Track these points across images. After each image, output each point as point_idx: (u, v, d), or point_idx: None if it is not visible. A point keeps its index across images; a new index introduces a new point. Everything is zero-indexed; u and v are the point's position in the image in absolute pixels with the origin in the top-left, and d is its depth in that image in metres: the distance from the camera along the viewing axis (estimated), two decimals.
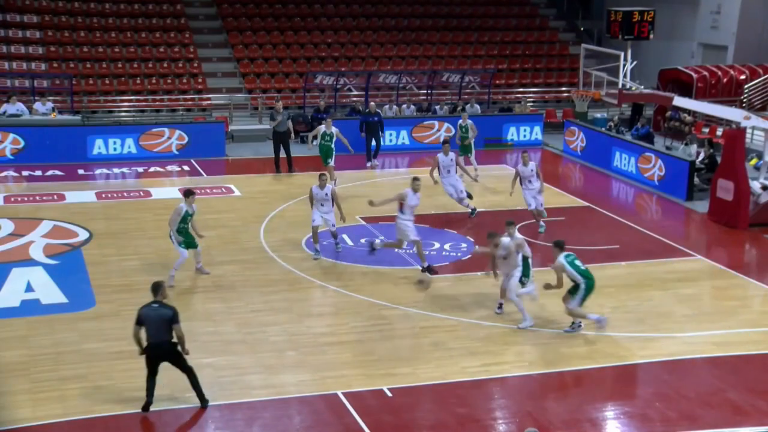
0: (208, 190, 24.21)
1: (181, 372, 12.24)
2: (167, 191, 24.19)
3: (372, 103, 29.49)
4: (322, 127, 24.66)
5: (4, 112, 28.56)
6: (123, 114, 32.61)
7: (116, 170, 26.72)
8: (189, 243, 17.03)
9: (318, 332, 14.96)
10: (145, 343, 12.09)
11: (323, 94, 33.75)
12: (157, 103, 33.13)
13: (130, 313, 14.99)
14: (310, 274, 17.70)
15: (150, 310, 12.08)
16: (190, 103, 33.51)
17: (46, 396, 12.40)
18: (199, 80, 34.39)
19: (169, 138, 28.71)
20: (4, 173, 25.85)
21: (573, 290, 14.76)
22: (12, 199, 23.12)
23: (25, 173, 26.04)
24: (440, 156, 21.78)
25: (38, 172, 26.09)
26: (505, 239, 15.41)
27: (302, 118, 32.68)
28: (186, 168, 27.20)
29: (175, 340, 12.00)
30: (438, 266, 17.78)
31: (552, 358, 14.25)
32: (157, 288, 12.27)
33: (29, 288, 16.57)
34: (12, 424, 11.56)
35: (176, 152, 28.61)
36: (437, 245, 19.55)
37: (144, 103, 33.07)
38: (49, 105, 29.87)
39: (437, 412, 12.45)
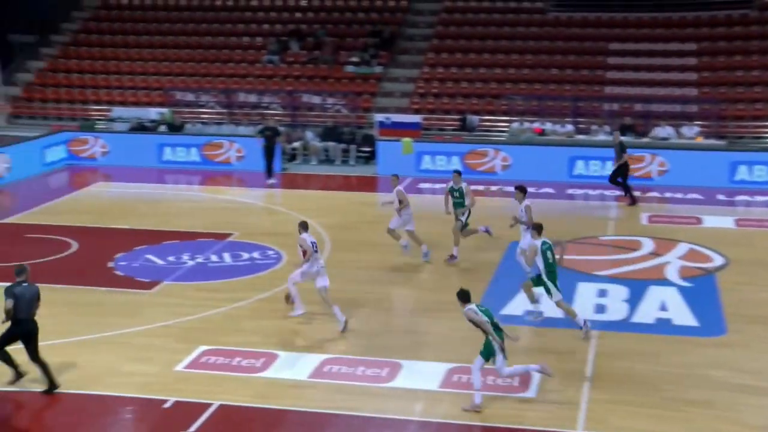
0: None
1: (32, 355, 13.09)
2: None
3: None
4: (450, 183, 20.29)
5: (655, 135, 30.08)
6: None
7: (759, 198, 26.35)
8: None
9: None
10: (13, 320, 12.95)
11: None
12: None
13: (762, 346, 14.90)
14: None
15: (23, 288, 13.04)
16: None
17: (670, 415, 12.81)
18: None
19: None
20: (649, 194, 27.06)
21: None
22: (653, 219, 24.10)
23: (667, 194, 27.02)
24: None
25: (678, 195, 26.88)
26: None
27: None
28: None
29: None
30: None
31: None
32: (21, 270, 13.16)
33: (663, 307, 17.17)
34: None
35: None
36: None
37: None
38: (695, 129, 30.57)
39: None
